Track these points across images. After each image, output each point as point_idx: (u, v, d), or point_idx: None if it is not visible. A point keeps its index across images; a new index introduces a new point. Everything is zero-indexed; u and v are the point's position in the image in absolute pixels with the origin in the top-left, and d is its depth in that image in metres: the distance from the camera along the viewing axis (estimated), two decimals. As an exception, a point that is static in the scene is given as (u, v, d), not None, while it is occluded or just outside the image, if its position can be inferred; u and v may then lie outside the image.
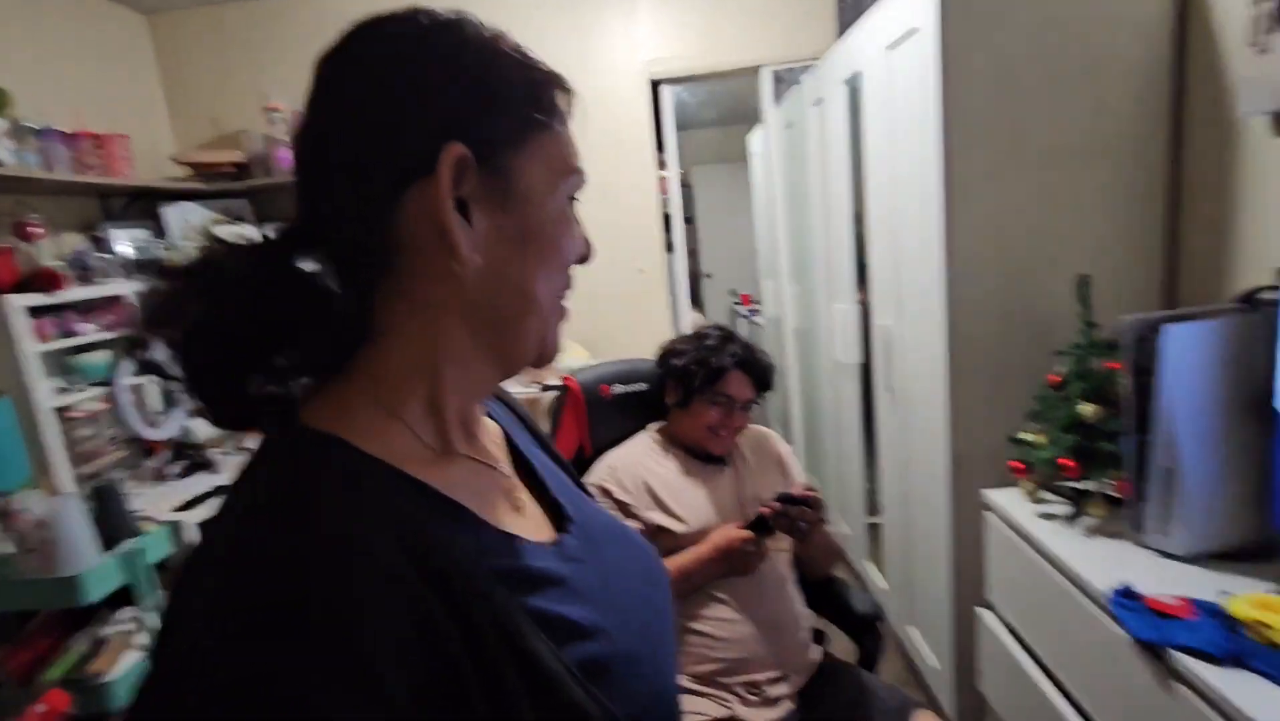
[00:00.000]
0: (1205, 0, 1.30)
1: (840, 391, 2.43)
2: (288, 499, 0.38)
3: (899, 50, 1.58)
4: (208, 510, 1.94)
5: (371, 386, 0.44)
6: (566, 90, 0.48)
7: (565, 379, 1.54)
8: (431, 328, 0.44)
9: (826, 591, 1.43)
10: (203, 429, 2.31)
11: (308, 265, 0.44)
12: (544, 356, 0.49)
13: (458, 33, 0.44)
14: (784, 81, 2.91)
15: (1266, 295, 1.02)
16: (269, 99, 2.53)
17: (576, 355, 2.48)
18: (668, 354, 1.42)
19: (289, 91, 2.63)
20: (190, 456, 2.27)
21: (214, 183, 2.59)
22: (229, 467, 2.23)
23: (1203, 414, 1.04)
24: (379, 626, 0.34)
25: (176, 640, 0.35)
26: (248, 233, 0.46)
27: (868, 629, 1.38)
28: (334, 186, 0.43)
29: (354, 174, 0.42)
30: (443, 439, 0.46)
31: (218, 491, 2.03)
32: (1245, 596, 0.90)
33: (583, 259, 0.50)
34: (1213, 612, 0.90)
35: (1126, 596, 0.97)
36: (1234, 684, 0.81)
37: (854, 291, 2.19)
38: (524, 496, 0.53)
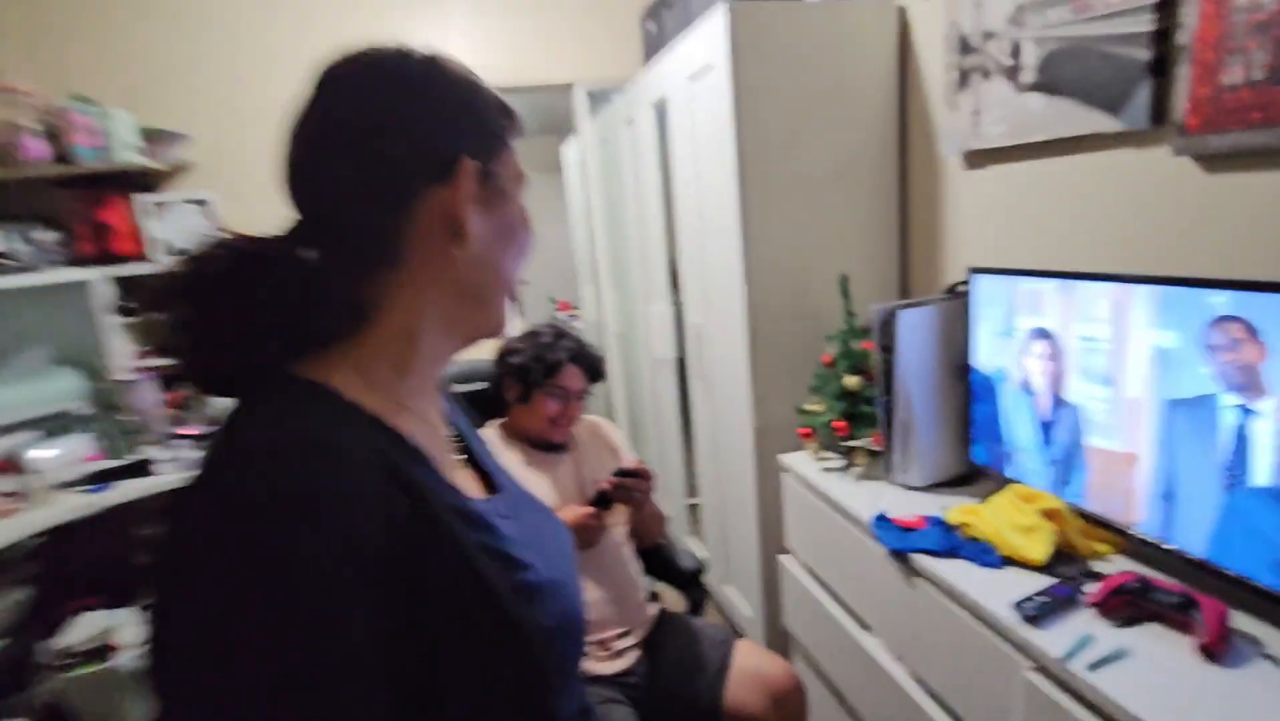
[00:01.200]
0: (918, 65, 1.70)
1: (659, 386, 2.67)
2: (292, 421, 0.45)
3: (699, 82, 1.83)
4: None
5: (353, 350, 0.51)
6: (512, 114, 0.58)
7: None
8: (419, 301, 0.52)
9: (657, 556, 1.61)
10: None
11: (308, 255, 0.50)
12: (499, 329, 0.59)
13: (446, 66, 0.53)
14: (597, 98, 3.11)
15: (961, 288, 1.38)
16: (4, 77, 2.15)
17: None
18: (506, 353, 1.50)
19: (32, 71, 2.27)
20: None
21: (-73, 172, 2.14)
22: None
23: (926, 377, 1.38)
24: (364, 514, 0.43)
25: (213, 506, 0.42)
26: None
27: (693, 582, 1.59)
28: (357, 188, 0.49)
29: (381, 179, 0.49)
30: (405, 396, 0.53)
31: None
32: (956, 508, 1.23)
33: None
34: (937, 522, 1.21)
35: (881, 520, 1.26)
36: (951, 570, 1.11)
37: (668, 293, 2.43)
38: (460, 462, 0.62)
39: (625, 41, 2.90)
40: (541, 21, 2.86)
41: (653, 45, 2.37)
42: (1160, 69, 1.10)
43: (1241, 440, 0.89)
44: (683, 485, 2.67)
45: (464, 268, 0.53)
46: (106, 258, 2.30)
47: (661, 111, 2.17)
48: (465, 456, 0.65)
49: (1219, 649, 0.85)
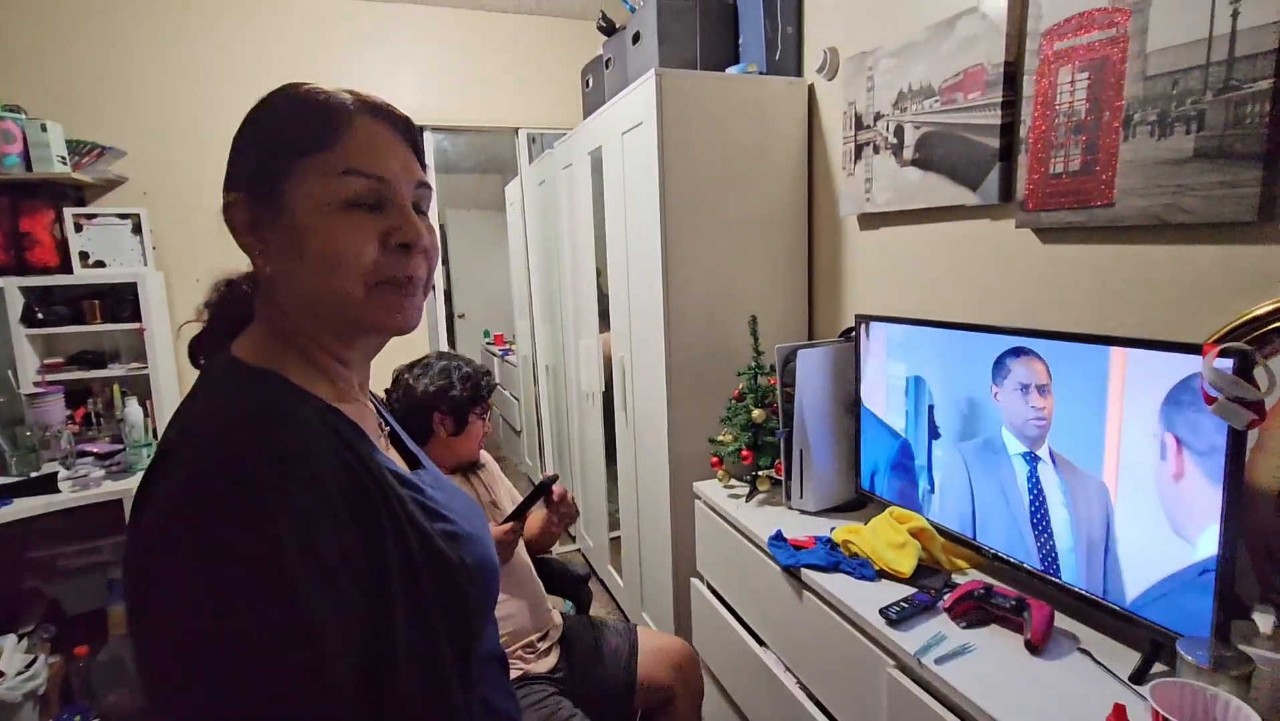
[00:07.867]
0: (823, 136, 1.91)
1: (585, 418, 2.76)
2: (247, 394, 0.54)
3: (630, 136, 1.99)
4: None
5: (268, 339, 0.59)
6: (343, 107, 0.56)
7: None
8: (277, 311, 0.59)
9: (549, 568, 1.74)
10: None
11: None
12: (401, 328, 0.59)
13: (269, 101, 0.58)
14: (537, 142, 3.26)
15: (853, 333, 1.55)
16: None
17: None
18: (429, 395, 1.45)
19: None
20: None
21: None
22: None
23: (821, 412, 1.53)
24: (327, 471, 0.51)
25: (190, 462, 0.48)
26: None
27: (582, 585, 1.78)
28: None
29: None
30: (344, 389, 0.61)
31: None
32: (841, 528, 1.36)
33: (404, 244, 0.56)
34: (824, 541, 1.34)
35: (777, 539, 1.38)
36: (834, 583, 1.23)
37: (597, 329, 2.54)
38: (388, 443, 0.70)
39: (567, 93, 3.08)
40: (490, 69, 3.01)
41: (592, 99, 2.54)
42: (1007, 155, 1.31)
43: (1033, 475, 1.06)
44: (606, 520, 2.74)
45: (285, 285, 0.57)
46: (22, 267, 2.24)
47: (597, 160, 2.32)
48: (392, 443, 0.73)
49: (1041, 644, 1.00)
